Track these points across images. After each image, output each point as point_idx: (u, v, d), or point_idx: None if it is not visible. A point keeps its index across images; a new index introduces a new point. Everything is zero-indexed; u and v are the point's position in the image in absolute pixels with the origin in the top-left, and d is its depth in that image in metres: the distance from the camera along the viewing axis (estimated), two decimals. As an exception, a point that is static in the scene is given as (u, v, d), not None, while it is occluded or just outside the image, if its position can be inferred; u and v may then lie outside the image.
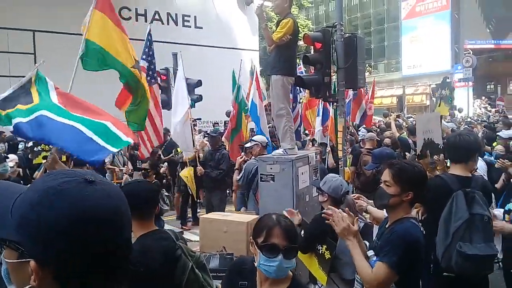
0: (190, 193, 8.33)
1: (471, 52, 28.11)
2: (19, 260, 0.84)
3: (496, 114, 20.10)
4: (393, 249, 2.43)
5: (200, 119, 15.42)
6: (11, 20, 14.72)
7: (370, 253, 2.58)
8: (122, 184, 6.06)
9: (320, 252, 3.32)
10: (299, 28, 5.65)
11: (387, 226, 2.64)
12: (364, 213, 3.87)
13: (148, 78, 7.50)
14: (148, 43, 8.18)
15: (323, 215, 2.78)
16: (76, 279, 0.84)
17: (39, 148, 7.95)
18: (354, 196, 3.98)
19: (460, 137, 3.33)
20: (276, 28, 5.19)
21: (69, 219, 0.81)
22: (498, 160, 5.69)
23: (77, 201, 0.83)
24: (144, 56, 7.99)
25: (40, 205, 0.82)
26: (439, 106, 7.81)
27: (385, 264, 2.41)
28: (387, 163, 2.76)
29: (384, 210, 2.98)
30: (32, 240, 0.82)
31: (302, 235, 3.51)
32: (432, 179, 3.35)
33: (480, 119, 18.20)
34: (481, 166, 5.43)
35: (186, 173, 7.87)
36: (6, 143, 9.75)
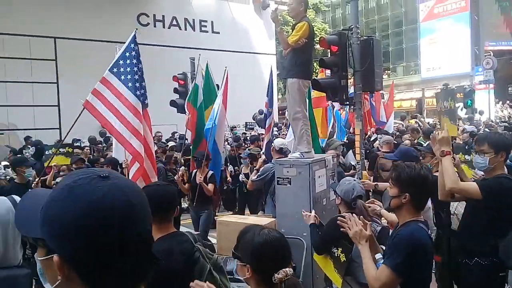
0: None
1: (492, 54, 27.62)
2: (47, 257, 0.88)
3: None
4: (396, 252, 2.44)
5: None
6: (32, 27, 15.08)
7: (378, 256, 2.60)
8: None
9: (336, 255, 3.33)
10: (316, 32, 5.67)
11: (396, 229, 2.65)
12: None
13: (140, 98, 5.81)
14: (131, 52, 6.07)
15: (338, 221, 2.80)
16: (95, 273, 0.85)
17: (49, 151, 8.06)
18: (369, 200, 3.98)
19: None
20: (292, 31, 5.22)
21: (80, 211, 0.83)
22: None
23: (88, 194, 0.85)
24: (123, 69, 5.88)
25: (56, 201, 0.87)
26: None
27: (387, 267, 2.42)
28: (394, 165, 2.78)
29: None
30: (51, 235, 0.86)
31: (319, 237, 3.54)
32: (500, 180, 3.35)
33: (500, 122, 17.85)
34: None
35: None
36: (34, 147, 9.95)
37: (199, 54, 9.34)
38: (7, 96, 14.49)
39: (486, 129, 10.99)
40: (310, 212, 3.84)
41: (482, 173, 3.72)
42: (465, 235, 3.44)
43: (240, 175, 8.28)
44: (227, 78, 7.95)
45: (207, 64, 8.65)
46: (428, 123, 12.18)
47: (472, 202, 3.40)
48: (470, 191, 3.26)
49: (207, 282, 2.12)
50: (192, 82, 12.53)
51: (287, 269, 1.88)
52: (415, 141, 9.02)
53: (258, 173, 6.45)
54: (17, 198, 3.68)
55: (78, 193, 0.85)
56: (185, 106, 8.41)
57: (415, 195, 2.55)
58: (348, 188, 3.58)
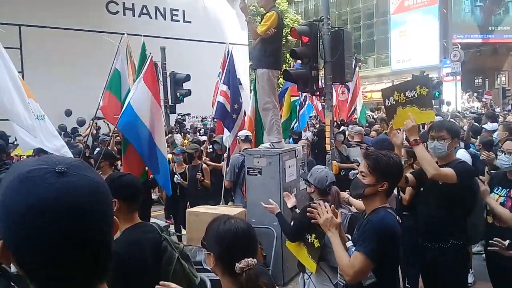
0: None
1: (459, 47, 28.29)
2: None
3: (483, 108, 20.28)
4: (369, 238, 2.48)
5: (189, 114, 15.38)
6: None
7: (349, 244, 2.63)
8: None
9: (310, 241, 3.38)
10: (289, 23, 5.67)
11: (364, 217, 2.68)
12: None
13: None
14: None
15: (308, 212, 2.82)
16: (32, 268, 0.83)
17: (16, 142, 7.74)
18: None
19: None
20: (261, 22, 5.20)
21: (26, 205, 0.80)
22: (483, 153, 5.76)
23: (37, 190, 0.81)
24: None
25: (8, 188, 0.83)
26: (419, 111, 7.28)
27: (361, 253, 2.45)
28: (364, 153, 2.82)
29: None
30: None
31: (292, 225, 3.57)
32: (463, 164, 3.51)
33: (469, 112, 18.35)
34: (466, 158, 5.47)
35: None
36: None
37: (125, 36, 7.81)
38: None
39: (452, 120, 11.27)
40: (271, 200, 3.85)
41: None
42: (437, 219, 3.51)
43: (175, 176, 6.86)
44: (150, 65, 5.92)
45: (143, 45, 7.25)
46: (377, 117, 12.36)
47: (437, 188, 3.48)
48: (449, 175, 3.36)
49: (171, 283, 2.12)
50: (162, 71, 12.37)
51: (249, 259, 1.88)
52: (383, 132, 9.19)
53: (227, 169, 6.44)
54: None
55: (28, 187, 0.82)
56: (101, 97, 6.55)
57: (392, 184, 2.61)
58: (321, 176, 3.62)
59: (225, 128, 7.52)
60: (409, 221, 4.19)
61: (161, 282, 2.11)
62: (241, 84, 8.43)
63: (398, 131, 3.70)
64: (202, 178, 6.84)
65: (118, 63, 6.87)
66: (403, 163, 3.40)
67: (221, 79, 7.79)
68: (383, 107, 5.22)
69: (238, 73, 8.06)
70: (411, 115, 3.53)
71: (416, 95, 3.63)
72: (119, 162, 7.19)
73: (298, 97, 11.13)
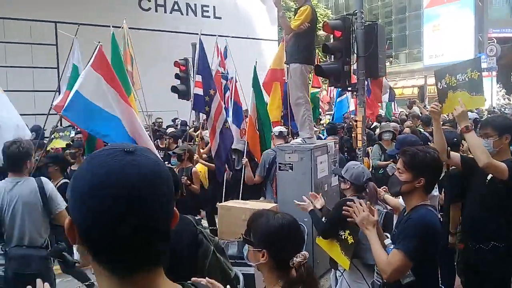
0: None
1: (495, 41, 27.42)
2: (66, 219, 0.88)
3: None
4: (408, 236, 2.43)
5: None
6: (33, 12, 14.96)
7: (387, 241, 2.59)
8: None
9: (343, 237, 3.33)
10: (319, 18, 5.61)
11: (404, 214, 2.64)
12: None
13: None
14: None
15: (343, 210, 2.79)
16: (98, 248, 0.85)
17: (53, 136, 7.78)
18: None
19: None
20: (294, 16, 5.17)
21: (89, 181, 0.83)
22: None
23: (101, 166, 0.84)
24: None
25: (78, 168, 0.89)
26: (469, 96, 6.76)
27: (400, 251, 2.40)
28: (401, 150, 2.76)
29: (401, 198, 2.97)
30: (68, 199, 0.87)
31: (324, 221, 3.53)
32: None
33: (503, 109, 17.79)
34: None
35: (199, 168, 7.55)
36: (34, 132, 9.91)
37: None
38: (7, 81, 14.46)
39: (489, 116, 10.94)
40: (304, 197, 3.77)
41: None
42: (480, 219, 3.40)
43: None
44: (99, 52, 5.18)
45: (113, 35, 6.64)
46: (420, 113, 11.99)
47: (483, 186, 3.37)
48: (500, 168, 3.17)
49: (206, 278, 2.14)
50: (193, 67, 12.48)
51: (304, 252, 1.88)
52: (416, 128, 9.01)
53: (259, 164, 6.43)
54: (44, 179, 3.84)
55: (93, 163, 0.86)
56: (54, 97, 6.07)
57: (429, 180, 2.55)
58: (358, 172, 3.55)
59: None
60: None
61: (193, 279, 2.12)
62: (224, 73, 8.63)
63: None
64: (189, 182, 6.10)
65: (74, 58, 6.55)
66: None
67: (194, 70, 7.60)
68: (417, 101, 5.09)
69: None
70: (461, 100, 3.36)
71: (467, 79, 3.40)
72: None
73: (318, 89, 10.97)
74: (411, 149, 2.65)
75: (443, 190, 4.28)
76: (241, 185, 6.38)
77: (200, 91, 7.07)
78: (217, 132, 6.88)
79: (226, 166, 6.80)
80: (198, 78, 7.19)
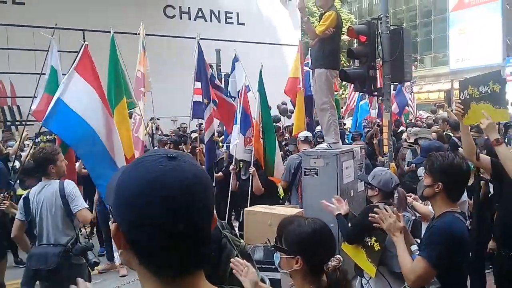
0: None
1: (525, 44, 26.75)
2: (112, 225, 0.91)
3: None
4: (432, 243, 2.41)
5: None
6: (60, 20, 15.31)
7: (414, 248, 2.57)
8: None
9: (369, 244, 3.27)
10: (342, 22, 5.59)
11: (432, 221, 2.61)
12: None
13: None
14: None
15: (370, 216, 2.76)
16: (144, 249, 0.87)
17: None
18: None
19: None
20: (319, 21, 5.16)
21: (135, 186, 0.85)
22: None
23: (147, 171, 0.86)
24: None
25: (123, 173, 0.90)
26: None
27: (423, 258, 2.38)
28: (429, 155, 2.75)
29: (430, 205, 2.93)
30: (112, 203, 0.89)
31: (350, 227, 3.48)
32: None
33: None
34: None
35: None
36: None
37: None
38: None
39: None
40: (334, 200, 3.73)
41: None
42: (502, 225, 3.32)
43: None
44: (84, 54, 5.05)
45: (112, 38, 6.62)
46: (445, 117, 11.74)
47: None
48: None
49: (244, 260, 2.13)
50: (217, 73, 12.58)
51: (338, 256, 1.87)
52: (444, 133, 8.83)
53: (285, 169, 6.42)
54: (67, 182, 4.06)
55: (139, 169, 0.87)
56: (32, 100, 5.98)
57: (447, 185, 2.51)
58: (386, 178, 3.49)
59: (231, 134, 7.03)
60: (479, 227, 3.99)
61: (232, 260, 2.14)
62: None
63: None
64: None
65: (52, 60, 6.34)
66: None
67: (195, 76, 7.51)
68: (445, 105, 5.00)
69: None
70: (485, 113, 3.31)
71: (489, 91, 3.36)
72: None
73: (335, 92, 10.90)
74: (435, 154, 2.66)
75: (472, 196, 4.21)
76: (249, 196, 6.10)
77: (199, 98, 7.10)
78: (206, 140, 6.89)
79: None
80: (198, 85, 7.18)
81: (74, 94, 4.66)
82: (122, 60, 6.17)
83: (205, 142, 6.99)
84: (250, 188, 6.14)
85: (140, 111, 6.85)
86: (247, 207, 5.80)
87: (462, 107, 3.48)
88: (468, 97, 3.51)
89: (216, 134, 8.53)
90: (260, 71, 7.27)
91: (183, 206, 0.84)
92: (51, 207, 3.95)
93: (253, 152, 6.36)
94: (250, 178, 6.19)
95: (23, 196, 4.10)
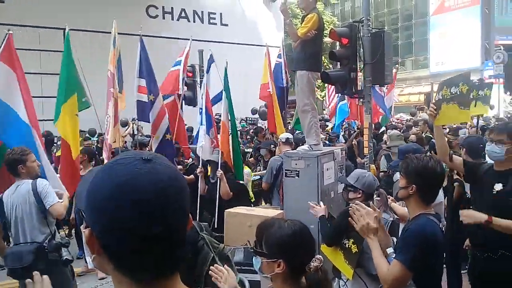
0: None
1: (502, 48, 27.28)
2: (85, 230, 0.89)
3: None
4: (407, 246, 2.44)
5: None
6: (41, 19, 15.11)
7: (390, 250, 2.58)
8: None
9: (347, 246, 3.28)
10: (325, 25, 5.62)
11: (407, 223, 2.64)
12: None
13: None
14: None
15: (350, 211, 2.77)
16: (118, 253, 0.85)
17: (59, 142, 7.82)
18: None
19: None
20: (301, 24, 5.18)
21: (109, 190, 0.83)
22: None
23: (122, 174, 0.84)
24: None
25: (95, 177, 0.88)
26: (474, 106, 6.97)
27: (399, 261, 2.41)
28: (405, 157, 2.79)
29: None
30: (85, 207, 0.88)
31: (330, 229, 3.50)
32: None
33: (509, 116, 17.70)
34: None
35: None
36: (43, 138, 9.95)
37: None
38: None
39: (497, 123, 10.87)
40: (321, 202, 3.78)
41: None
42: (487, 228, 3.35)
43: None
44: (8, 41, 4.94)
45: (67, 35, 6.57)
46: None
47: (490, 195, 3.33)
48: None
49: (224, 265, 2.12)
50: (200, 74, 12.53)
51: (318, 256, 1.88)
52: (423, 134, 8.97)
53: (266, 171, 6.42)
54: (39, 180, 4.12)
55: (112, 172, 0.86)
56: None
57: (421, 187, 2.54)
58: (370, 180, 3.48)
59: (200, 135, 6.56)
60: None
61: (211, 267, 2.12)
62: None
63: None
64: None
65: None
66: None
67: (137, 73, 7.01)
68: (425, 107, 5.08)
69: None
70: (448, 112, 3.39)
71: (458, 92, 3.43)
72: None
73: None
74: (410, 156, 2.68)
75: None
76: (217, 200, 5.75)
77: (144, 97, 6.54)
78: (155, 142, 6.36)
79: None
80: (142, 82, 6.63)
81: (1, 82, 4.72)
82: (77, 57, 6.01)
83: (158, 143, 6.42)
84: (218, 192, 5.82)
85: (110, 112, 6.56)
86: (215, 212, 5.71)
87: (435, 107, 3.55)
88: (441, 98, 3.59)
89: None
90: (225, 70, 6.87)
91: (157, 209, 0.83)
92: (25, 205, 4.01)
93: (220, 153, 6.01)
94: (218, 181, 5.86)
95: None
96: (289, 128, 9.23)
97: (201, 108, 6.65)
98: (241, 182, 6.37)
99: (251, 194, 6.42)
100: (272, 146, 7.77)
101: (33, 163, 4.15)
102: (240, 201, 5.64)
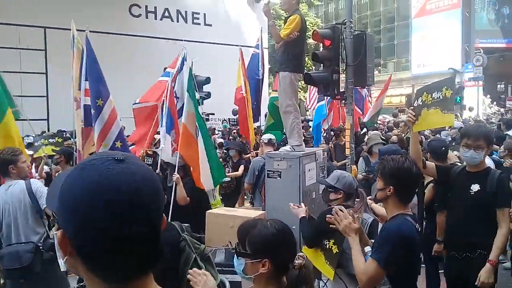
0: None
1: (482, 51, 27.83)
2: (57, 232, 0.88)
3: (508, 113, 19.91)
4: (382, 245, 2.48)
5: (213, 114, 15.42)
6: (22, 17, 14.87)
7: (367, 249, 2.62)
8: None
9: (327, 246, 3.30)
10: (309, 26, 5.64)
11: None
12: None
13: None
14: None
15: (327, 218, 2.80)
16: (91, 254, 0.85)
17: (38, 142, 7.81)
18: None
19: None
20: (284, 25, 5.21)
21: (81, 191, 0.82)
22: (507, 160, 5.68)
23: (94, 174, 0.84)
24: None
25: (68, 178, 0.87)
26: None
27: (374, 260, 2.45)
28: (381, 158, 2.81)
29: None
30: (57, 209, 0.87)
31: (311, 230, 3.52)
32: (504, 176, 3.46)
33: (499, 119, 18.03)
34: (489, 165, 5.39)
35: None
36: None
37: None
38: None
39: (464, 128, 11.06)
40: (302, 204, 3.80)
41: None
42: (466, 228, 3.42)
43: None
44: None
45: None
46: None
47: (468, 196, 3.42)
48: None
49: (202, 269, 2.12)
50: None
51: (301, 253, 1.90)
52: (404, 136, 9.07)
53: (248, 171, 6.43)
54: (32, 180, 4.18)
55: (85, 173, 0.85)
56: None
57: (398, 188, 2.57)
58: (349, 180, 3.53)
59: (161, 137, 6.15)
60: (428, 229, 4.12)
61: (190, 271, 2.11)
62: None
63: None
64: None
65: None
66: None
67: (84, 75, 6.19)
68: (407, 109, 5.10)
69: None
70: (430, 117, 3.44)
71: (441, 97, 3.45)
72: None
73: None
74: (387, 157, 2.71)
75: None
76: (171, 206, 5.27)
77: (89, 101, 5.81)
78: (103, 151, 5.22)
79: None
80: (87, 85, 5.90)
81: None
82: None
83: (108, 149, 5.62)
84: (173, 196, 5.36)
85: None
86: (168, 218, 5.21)
87: (414, 113, 3.59)
88: (421, 103, 3.61)
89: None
90: (190, 69, 6.27)
91: (130, 209, 0.83)
92: (20, 205, 3.99)
93: (178, 156, 5.55)
94: (174, 185, 5.39)
95: None
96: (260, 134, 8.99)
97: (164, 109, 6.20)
98: (203, 187, 5.69)
99: (218, 198, 6.16)
100: (241, 147, 7.72)
101: (23, 163, 4.14)
102: (199, 207, 5.31)
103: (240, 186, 8.10)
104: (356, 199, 3.58)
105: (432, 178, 4.21)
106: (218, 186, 6.33)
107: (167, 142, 5.99)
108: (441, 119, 3.48)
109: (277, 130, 7.80)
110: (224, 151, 9.13)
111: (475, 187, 3.41)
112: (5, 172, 4.05)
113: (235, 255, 2.03)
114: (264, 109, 10.04)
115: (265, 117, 9.29)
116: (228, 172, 7.75)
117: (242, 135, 9.46)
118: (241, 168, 8.05)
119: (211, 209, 5.44)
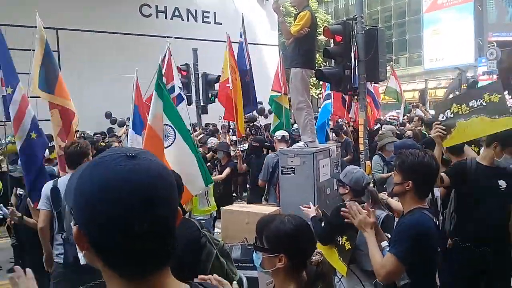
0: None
1: (495, 45, 27.46)
2: (74, 227, 0.89)
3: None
4: (400, 240, 2.46)
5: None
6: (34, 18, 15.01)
7: (384, 244, 2.61)
8: None
9: (340, 243, 3.31)
10: (319, 23, 5.63)
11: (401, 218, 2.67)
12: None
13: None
14: None
15: (341, 212, 2.80)
16: (105, 249, 0.86)
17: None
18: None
19: None
20: (294, 21, 5.20)
21: (92, 187, 0.83)
22: None
23: (106, 171, 0.85)
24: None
25: (81, 174, 0.88)
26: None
27: (392, 254, 2.43)
28: (398, 152, 2.79)
29: None
30: (73, 205, 0.88)
31: (324, 227, 3.52)
32: None
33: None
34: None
35: None
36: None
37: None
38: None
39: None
40: (311, 204, 3.78)
41: None
42: (497, 222, 3.42)
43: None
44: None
45: None
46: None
47: (498, 192, 3.44)
48: None
49: (214, 274, 2.13)
50: (194, 72, 12.50)
51: (319, 249, 1.90)
52: (417, 131, 9.01)
53: (262, 168, 6.41)
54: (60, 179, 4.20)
55: (98, 169, 0.86)
56: None
57: (417, 183, 2.54)
58: (358, 176, 3.52)
59: (129, 138, 5.68)
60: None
61: (200, 276, 2.12)
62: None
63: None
64: None
65: None
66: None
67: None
68: (420, 105, 5.04)
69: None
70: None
71: (484, 103, 3.31)
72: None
73: (279, 93, 9.99)
74: (405, 152, 2.67)
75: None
76: None
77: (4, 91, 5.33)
78: (18, 144, 5.09)
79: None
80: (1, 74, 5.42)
81: None
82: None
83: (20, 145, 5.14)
84: None
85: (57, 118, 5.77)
86: None
87: (444, 128, 3.43)
88: (452, 116, 3.45)
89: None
90: (159, 65, 5.52)
91: (141, 206, 0.83)
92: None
93: None
94: None
95: (50, 187, 4.05)
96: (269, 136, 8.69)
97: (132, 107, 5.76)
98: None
99: (213, 203, 6.19)
100: (228, 148, 7.50)
101: (90, 157, 4.16)
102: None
103: (229, 190, 7.83)
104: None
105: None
106: (211, 190, 6.08)
107: (138, 144, 5.36)
108: (492, 125, 3.30)
109: (284, 130, 7.66)
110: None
111: (503, 183, 3.43)
112: (78, 163, 3.82)
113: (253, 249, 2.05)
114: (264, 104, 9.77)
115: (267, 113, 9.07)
116: (216, 176, 7.08)
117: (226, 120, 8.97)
118: (226, 171, 7.17)
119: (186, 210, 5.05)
